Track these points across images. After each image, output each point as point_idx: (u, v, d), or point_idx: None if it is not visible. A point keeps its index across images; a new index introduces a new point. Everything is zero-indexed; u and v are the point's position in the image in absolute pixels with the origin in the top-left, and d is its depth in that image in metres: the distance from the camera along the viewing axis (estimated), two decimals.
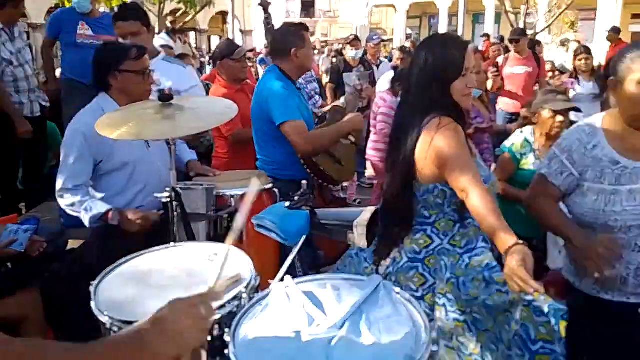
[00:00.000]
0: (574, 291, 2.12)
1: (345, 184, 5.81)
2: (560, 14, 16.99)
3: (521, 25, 14.73)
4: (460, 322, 1.78)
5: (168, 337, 1.08)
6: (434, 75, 1.90)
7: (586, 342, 1.94)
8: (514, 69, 6.00)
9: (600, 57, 9.39)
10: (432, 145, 1.83)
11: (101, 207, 2.41)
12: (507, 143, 3.14)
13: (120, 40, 3.15)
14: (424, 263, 1.92)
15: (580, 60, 5.61)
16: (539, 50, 9.37)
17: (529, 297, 1.51)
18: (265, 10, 4.62)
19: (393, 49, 7.11)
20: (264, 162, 3.11)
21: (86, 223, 2.44)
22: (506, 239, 1.62)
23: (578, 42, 9.28)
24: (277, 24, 4.48)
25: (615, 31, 9.82)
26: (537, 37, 13.44)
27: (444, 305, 1.84)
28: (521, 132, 3.14)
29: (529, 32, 14.01)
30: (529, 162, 3.03)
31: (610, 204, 1.92)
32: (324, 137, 2.97)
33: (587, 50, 5.79)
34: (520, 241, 1.60)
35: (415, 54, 2.00)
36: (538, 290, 1.47)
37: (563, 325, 1.48)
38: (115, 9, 5.05)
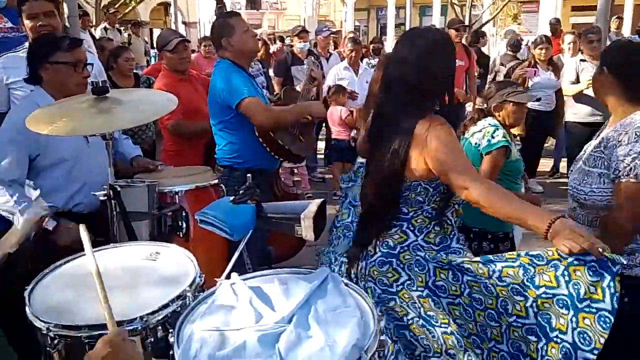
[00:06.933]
0: None
1: (296, 178, 5.79)
2: (504, 6, 17.39)
3: (467, 18, 15.03)
4: (455, 306, 1.82)
5: None
6: (432, 71, 1.89)
7: None
8: None
9: None
10: (427, 145, 1.82)
11: (37, 210, 2.29)
12: (496, 137, 2.85)
13: (26, 22, 2.89)
14: (399, 258, 1.91)
15: (541, 49, 5.83)
16: (483, 42, 9.58)
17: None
18: (218, 1, 4.58)
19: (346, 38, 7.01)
20: (225, 153, 3.09)
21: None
22: (539, 219, 1.62)
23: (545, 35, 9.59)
24: None
25: (557, 23, 10.13)
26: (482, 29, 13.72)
27: (428, 295, 1.85)
28: (494, 124, 2.92)
29: (475, 24, 14.37)
30: (515, 152, 2.91)
31: (583, 184, 2.07)
32: (285, 114, 3.02)
33: (548, 41, 6.04)
34: (554, 216, 1.59)
35: (403, 49, 1.93)
36: (605, 249, 1.49)
37: (617, 279, 1.49)
38: None
